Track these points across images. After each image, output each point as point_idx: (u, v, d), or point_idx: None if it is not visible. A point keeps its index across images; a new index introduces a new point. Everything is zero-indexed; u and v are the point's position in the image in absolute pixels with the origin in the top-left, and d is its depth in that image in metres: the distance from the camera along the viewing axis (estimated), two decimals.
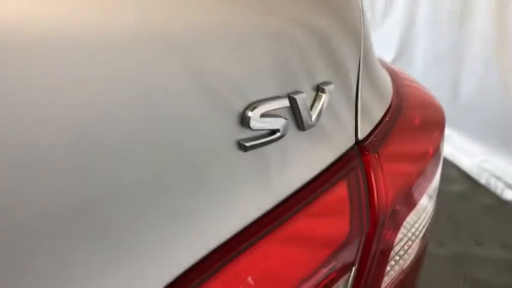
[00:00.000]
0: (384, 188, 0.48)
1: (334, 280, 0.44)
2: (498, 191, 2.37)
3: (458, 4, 2.63)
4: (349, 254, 0.46)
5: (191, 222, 0.35)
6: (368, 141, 0.50)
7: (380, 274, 0.51)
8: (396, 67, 0.79)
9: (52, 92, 0.27)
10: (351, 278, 0.46)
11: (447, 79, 2.73)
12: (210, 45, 0.33)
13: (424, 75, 2.80)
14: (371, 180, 0.48)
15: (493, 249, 1.97)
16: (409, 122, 0.59)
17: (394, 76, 0.69)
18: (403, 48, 3.07)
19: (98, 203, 0.30)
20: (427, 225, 0.61)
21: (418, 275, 0.64)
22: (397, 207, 0.51)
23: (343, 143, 0.48)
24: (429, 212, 0.61)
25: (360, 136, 0.50)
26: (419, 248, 0.60)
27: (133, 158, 0.31)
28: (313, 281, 0.42)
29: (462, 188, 2.42)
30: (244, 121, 0.36)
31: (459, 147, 2.59)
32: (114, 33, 0.29)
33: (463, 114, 2.59)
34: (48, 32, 0.26)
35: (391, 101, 0.59)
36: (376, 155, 0.49)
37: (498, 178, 2.40)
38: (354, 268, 0.46)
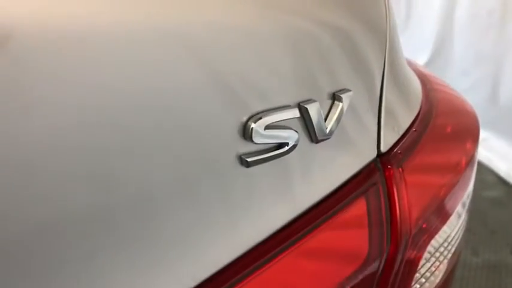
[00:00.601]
0: (408, 206, 0.44)
1: None
2: None
3: (498, 3, 2.52)
4: (367, 278, 0.42)
5: (193, 238, 0.32)
6: (392, 154, 0.46)
7: None
8: (427, 69, 0.74)
9: (63, 94, 0.25)
10: None
11: (485, 81, 2.62)
12: (208, 44, 0.30)
13: (462, 77, 2.70)
14: (393, 197, 0.43)
15: None
16: (439, 132, 0.54)
17: (424, 80, 0.64)
18: (439, 49, 2.96)
19: (108, 209, 0.28)
20: (456, 243, 0.56)
21: None
22: (424, 226, 0.46)
23: (363, 155, 0.43)
24: (460, 229, 0.56)
25: (383, 148, 0.45)
26: (447, 268, 0.55)
27: (125, 166, 0.28)
28: None
29: (498, 193, 2.31)
30: (246, 133, 0.32)
31: (496, 151, 2.47)
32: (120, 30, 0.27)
33: (502, 117, 2.48)
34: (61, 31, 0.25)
35: (420, 108, 0.54)
36: (400, 169, 0.45)
37: None
38: None
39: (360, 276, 0.40)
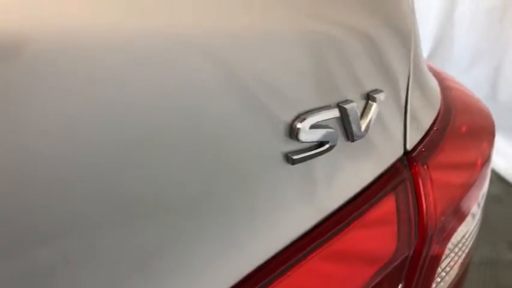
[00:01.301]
0: (433, 201, 0.45)
1: None
2: None
3: (498, 2, 2.54)
4: (396, 271, 0.43)
5: (231, 239, 0.33)
6: (416, 152, 0.47)
7: None
8: (437, 67, 0.75)
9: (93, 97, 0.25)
10: None
11: (485, 79, 2.64)
12: (254, 54, 0.31)
13: (461, 74, 2.72)
14: (420, 193, 0.45)
15: None
16: (459, 130, 0.55)
17: (438, 77, 0.66)
18: (439, 46, 2.98)
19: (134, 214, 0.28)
20: (473, 240, 0.57)
21: None
22: (446, 222, 0.48)
23: (391, 154, 0.45)
24: (476, 227, 0.58)
25: (408, 146, 0.47)
26: (463, 263, 0.57)
27: (176, 166, 0.29)
28: None
29: (496, 191, 2.34)
30: (292, 133, 0.33)
31: (496, 149, 2.49)
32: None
33: (501, 115, 2.49)
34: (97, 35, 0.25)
35: (440, 106, 0.56)
36: (425, 166, 0.46)
37: None
38: (400, 285, 0.44)
39: (390, 269, 0.42)
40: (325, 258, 0.39)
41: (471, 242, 0.57)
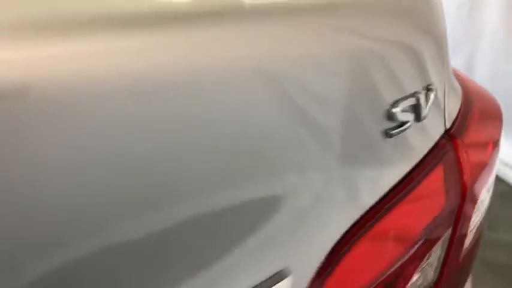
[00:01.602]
0: (469, 167, 0.59)
1: (436, 239, 0.56)
2: (510, 180, 2.47)
3: None
4: (448, 216, 0.57)
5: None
6: (453, 129, 0.62)
7: (463, 239, 0.62)
8: None
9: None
10: (446, 238, 0.58)
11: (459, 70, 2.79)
12: (366, 72, 0.44)
13: None
14: (460, 160, 0.59)
15: (505, 233, 2.11)
16: (477, 116, 0.69)
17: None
18: None
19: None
20: (486, 209, 0.72)
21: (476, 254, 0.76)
22: (476, 185, 0.62)
23: (437, 130, 0.59)
24: (484, 211, 0.72)
25: (447, 125, 0.61)
26: (480, 226, 0.71)
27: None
28: (421, 240, 0.53)
29: None
30: (390, 116, 0.47)
31: None
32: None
33: None
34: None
35: (462, 96, 0.70)
36: (461, 140, 0.61)
37: (510, 167, 2.48)
38: (450, 228, 0.58)
39: (444, 215, 0.56)
40: (394, 219, 0.50)
41: (486, 210, 0.72)
